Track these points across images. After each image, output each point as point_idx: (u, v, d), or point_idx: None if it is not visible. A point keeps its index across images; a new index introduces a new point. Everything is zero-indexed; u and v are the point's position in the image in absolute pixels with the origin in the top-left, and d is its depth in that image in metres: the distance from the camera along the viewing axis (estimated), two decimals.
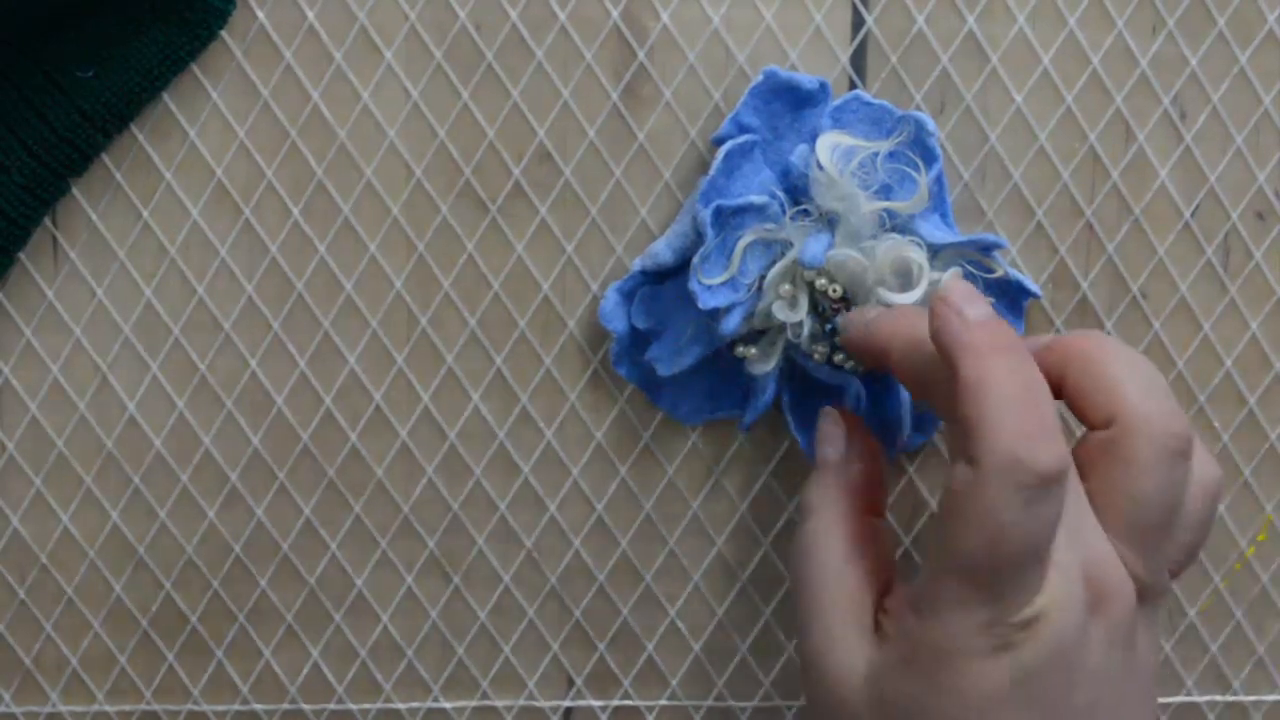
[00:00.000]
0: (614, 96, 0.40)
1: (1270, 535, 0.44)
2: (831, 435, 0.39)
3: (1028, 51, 0.41)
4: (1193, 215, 0.42)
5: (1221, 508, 0.43)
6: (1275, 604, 0.44)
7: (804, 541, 0.37)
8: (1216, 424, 0.43)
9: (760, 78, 0.39)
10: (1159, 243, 0.42)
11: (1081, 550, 0.34)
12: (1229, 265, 0.42)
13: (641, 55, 0.40)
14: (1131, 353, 0.36)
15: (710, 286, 0.38)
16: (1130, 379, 0.35)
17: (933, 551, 0.34)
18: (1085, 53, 0.41)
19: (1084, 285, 0.42)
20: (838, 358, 0.39)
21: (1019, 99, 0.41)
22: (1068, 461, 0.33)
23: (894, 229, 0.39)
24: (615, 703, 0.44)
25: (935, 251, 0.39)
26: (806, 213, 0.39)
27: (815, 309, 0.39)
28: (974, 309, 0.33)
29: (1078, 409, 0.35)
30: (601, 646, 0.44)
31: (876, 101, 0.39)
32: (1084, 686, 0.34)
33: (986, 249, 0.39)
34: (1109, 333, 0.42)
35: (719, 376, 0.41)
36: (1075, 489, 0.34)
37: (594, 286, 0.41)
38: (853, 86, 0.41)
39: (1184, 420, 0.35)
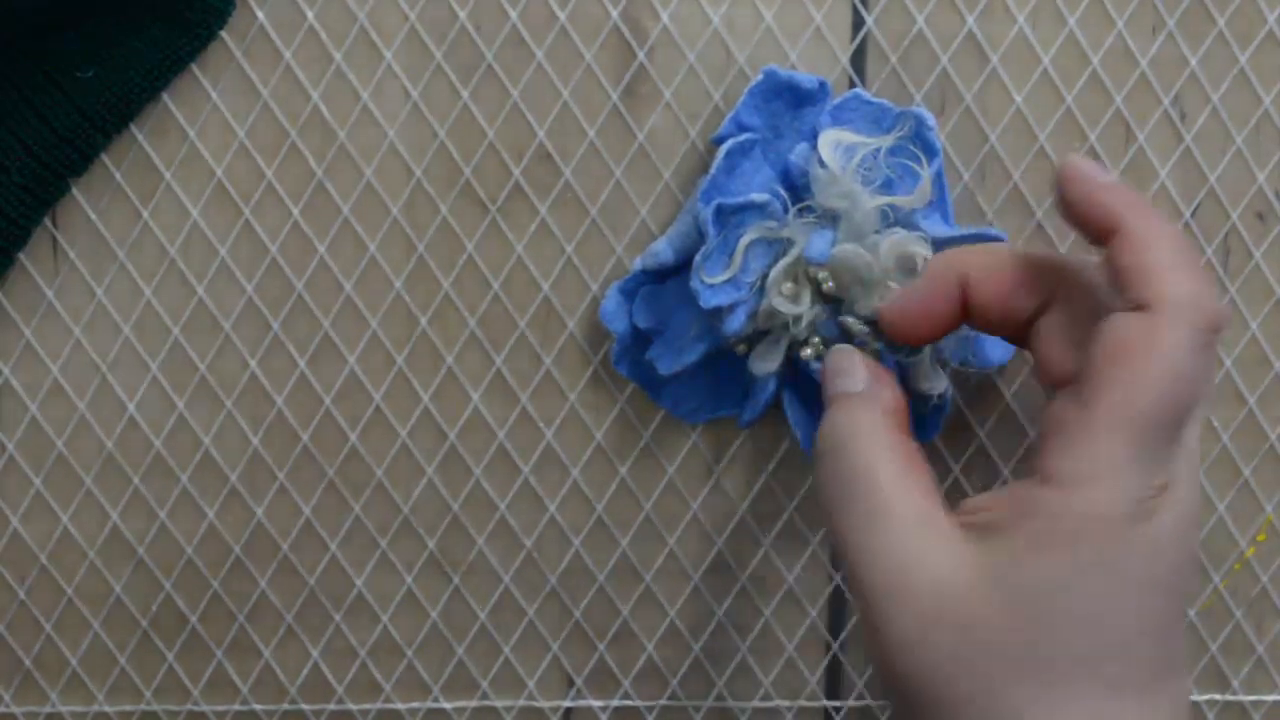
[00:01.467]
0: (614, 96, 0.40)
1: (1270, 535, 0.44)
2: (846, 367, 0.37)
3: (1028, 51, 0.41)
4: (1193, 215, 0.42)
5: (1221, 507, 0.43)
6: (1275, 604, 0.44)
7: (844, 475, 0.35)
8: (1216, 424, 0.43)
9: (760, 77, 0.39)
10: None
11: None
12: (1229, 265, 0.42)
13: (641, 55, 0.40)
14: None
15: (712, 285, 0.38)
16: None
17: (1091, 413, 0.32)
18: (1085, 53, 0.41)
19: None
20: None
21: (1019, 99, 0.41)
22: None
23: (896, 224, 0.39)
24: (615, 703, 0.44)
25: (937, 246, 0.39)
26: (811, 210, 0.39)
27: (821, 299, 0.39)
28: (1107, 176, 0.34)
29: None
30: (601, 646, 0.44)
31: (876, 100, 0.39)
32: (1190, 578, 0.33)
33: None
34: None
35: (720, 375, 0.41)
36: None
37: (594, 286, 0.41)
38: (853, 86, 0.41)
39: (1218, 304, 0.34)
